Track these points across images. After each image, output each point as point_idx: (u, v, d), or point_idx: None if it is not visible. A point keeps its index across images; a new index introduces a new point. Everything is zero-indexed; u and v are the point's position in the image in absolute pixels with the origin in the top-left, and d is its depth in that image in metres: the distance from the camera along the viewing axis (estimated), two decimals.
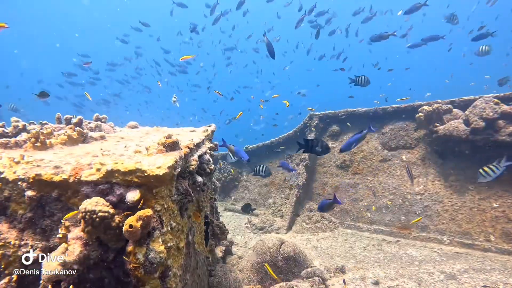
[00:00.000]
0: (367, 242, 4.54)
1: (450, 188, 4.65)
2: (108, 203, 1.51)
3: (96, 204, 1.45)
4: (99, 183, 1.53)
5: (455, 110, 4.99)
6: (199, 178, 2.16)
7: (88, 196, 1.55)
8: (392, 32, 4.69)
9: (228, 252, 4.00)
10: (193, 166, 2.02)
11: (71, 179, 1.49)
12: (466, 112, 4.65)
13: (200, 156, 2.26)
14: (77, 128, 1.89)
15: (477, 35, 5.24)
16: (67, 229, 1.50)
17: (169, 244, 1.71)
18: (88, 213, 1.42)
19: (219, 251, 3.74)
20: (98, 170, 1.52)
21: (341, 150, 2.97)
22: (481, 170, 3.14)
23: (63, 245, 1.33)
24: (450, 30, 10.29)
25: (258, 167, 3.68)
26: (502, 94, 4.68)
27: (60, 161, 1.55)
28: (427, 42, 5.44)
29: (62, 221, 1.48)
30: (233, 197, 6.76)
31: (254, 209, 4.04)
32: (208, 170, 2.40)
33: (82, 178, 1.50)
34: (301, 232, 5.05)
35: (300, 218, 5.42)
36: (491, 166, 3.07)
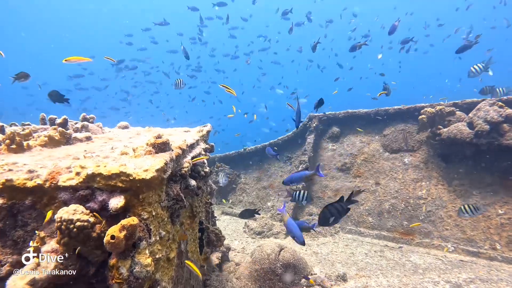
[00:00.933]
0: (369, 248, 4.39)
1: (454, 193, 4.52)
2: (88, 211, 1.35)
3: (74, 212, 1.29)
4: (78, 188, 1.38)
5: (458, 113, 4.86)
6: (193, 182, 2.01)
7: (66, 203, 1.39)
8: (363, 42, 4.94)
9: (224, 258, 3.83)
10: (185, 169, 1.87)
11: (47, 184, 1.33)
12: (470, 114, 4.53)
13: (194, 158, 2.11)
14: (59, 128, 1.73)
15: (461, 47, 4.50)
16: (42, 240, 1.34)
17: (157, 256, 1.56)
18: (64, 223, 1.26)
19: (215, 258, 3.57)
20: (78, 174, 1.37)
21: (284, 183, 2.90)
22: (461, 207, 3.41)
23: (34, 260, 1.17)
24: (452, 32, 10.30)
25: (297, 193, 3.16)
26: (505, 98, 4.57)
27: (35, 165, 1.39)
28: (403, 44, 6.24)
29: (36, 231, 1.32)
30: (230, 200, 6.59)
31: (255, 211, 3.71)
32: (202, 173, 2.25)
33: (59, 183, 1.34)
34: None
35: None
36: (471, 206, 3.37)
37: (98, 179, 1.37)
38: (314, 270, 3.77)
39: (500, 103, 4.36)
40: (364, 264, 3.91)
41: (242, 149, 6.72)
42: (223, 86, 3.91)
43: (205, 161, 2.28)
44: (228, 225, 5.57)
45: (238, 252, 4.42)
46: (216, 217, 4.03)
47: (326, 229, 5.00)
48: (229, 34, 14.47)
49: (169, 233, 1.74)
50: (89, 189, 1.39)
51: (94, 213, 1.35)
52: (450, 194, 4.54)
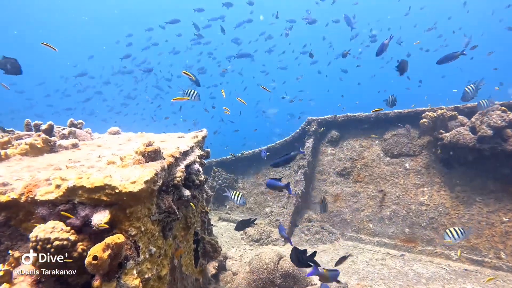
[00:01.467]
0: (370, 256, 4.27)
1: (457, 199, 4.42)
2: (69, 228, 1.22)
3: (52, 230, 1.16)
4: (58, 202, 1.25)
5: (460, 117, 4.78)
6: (186, 192, 1.88)
7: (44, 220, 1.26)
8: (347, 50, 5.38)
9: (221, 267, 3.70)
10: (178, 179, 1.74)
11: (23, 198, 1.20)
12: (472, 119, 4.45)
13: (188, 166, 1.99)
14: (42, 135, 1.61)
15: (443, 57, 3.95)
16: (17, 261, 1.21)
17: (147, 276, 1.43)
18: (40, 242, 1.13)
19: (211, 268, 3.44)
20: (58, 186, 1.24)
21: (266, 184, 3.03)
22: (447, 231, 3.24)
23: (4, 286, 1.04)
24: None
25: (322, 204, 3.55)
26: (507, 102, 4.50)
27: (11, 177, 1.27)
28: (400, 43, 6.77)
29: (9, 251, 1.19)
30: (228, 206, 6.45)
31: (250, 222, 3.62)
32: (197, 181, 2.13)
33: (36, 197, 1.22)
34: (299, 244, 4.76)
35: (299, 229, 5.14)
36: (457, 230, 3.22)
37: (80, 192, 1.24)
38: (314, 280, 3.63)
39: (502, 107, 4.29)
40: (366, 273, 3.79)
41: (240, 154, 6.60)
42: (185, 73, 3.72)
43: (200, 169, 2.15)
44: (225, 231, 5.43)
45: (235, 260, 4.28)
46: (212, 224, 3.88)
47: (326, 235, 4.87)
48: (231, 39, 14.37)
49: (160, 248, 1.61)
50: (70, 203, 1.26)
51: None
52: (452, 201, 4.44)
